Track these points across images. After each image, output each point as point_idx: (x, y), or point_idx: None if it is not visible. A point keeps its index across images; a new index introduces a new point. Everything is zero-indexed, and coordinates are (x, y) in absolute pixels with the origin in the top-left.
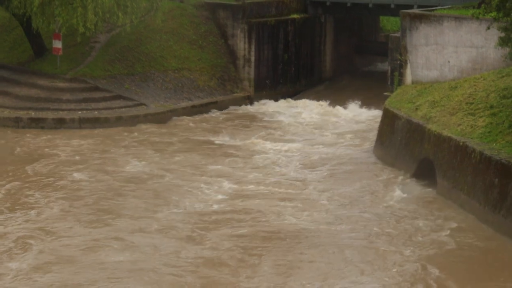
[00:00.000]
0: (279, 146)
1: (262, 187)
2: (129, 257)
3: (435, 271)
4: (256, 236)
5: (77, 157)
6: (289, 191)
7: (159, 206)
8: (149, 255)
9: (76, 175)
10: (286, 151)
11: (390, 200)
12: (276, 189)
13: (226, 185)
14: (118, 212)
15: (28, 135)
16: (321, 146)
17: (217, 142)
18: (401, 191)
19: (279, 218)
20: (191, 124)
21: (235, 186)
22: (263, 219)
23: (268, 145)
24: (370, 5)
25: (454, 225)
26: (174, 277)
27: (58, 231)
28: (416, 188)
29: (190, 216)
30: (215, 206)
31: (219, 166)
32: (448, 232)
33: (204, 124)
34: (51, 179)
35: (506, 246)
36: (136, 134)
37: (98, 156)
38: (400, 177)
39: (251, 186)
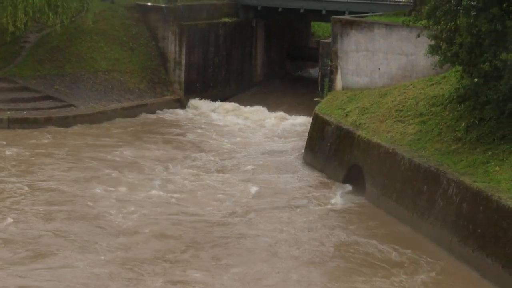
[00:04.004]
0: (191, 172)
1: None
2: None
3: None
4: None
5: None
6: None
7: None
8: None
9: None
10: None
11: (317, 206)
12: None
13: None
14: None
15: None
16: (249, 152)
17: (122, 154)
18: (329, 198)
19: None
20: (97, 130)
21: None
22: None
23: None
24: (302, 11)
25: (380, 231)
26: None
27: None
28: (345, 195)
29: None
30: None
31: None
32: (373, 239)
33: (121, 129)
34: None
35: (433, 253)
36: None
37: None
38: (329, 184)
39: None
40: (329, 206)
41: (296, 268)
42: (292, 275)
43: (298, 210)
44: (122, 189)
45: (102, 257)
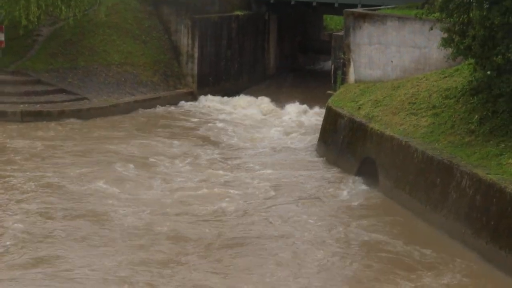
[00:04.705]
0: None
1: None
2: None
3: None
4: None
5: None
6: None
7: None
8: None
9: None
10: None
11: (332, 201)
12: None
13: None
14: None
15: None
16: (262, 145)
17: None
18: (342, 190)
19: None
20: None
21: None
22: None
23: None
24: (314, 4)
25: (396, 226)
26: None
27: None
28: (358, 187)
29: None
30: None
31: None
32: (390, 235)
33: (134, 122)
34: None
35: (446, 246)
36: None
37: None
38: (342, 176)
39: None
40: (344, 201)
41: (317, 272)
42: (313, 280)
43: (313, 206)
44: (133, 186)
45: (111, 260)
